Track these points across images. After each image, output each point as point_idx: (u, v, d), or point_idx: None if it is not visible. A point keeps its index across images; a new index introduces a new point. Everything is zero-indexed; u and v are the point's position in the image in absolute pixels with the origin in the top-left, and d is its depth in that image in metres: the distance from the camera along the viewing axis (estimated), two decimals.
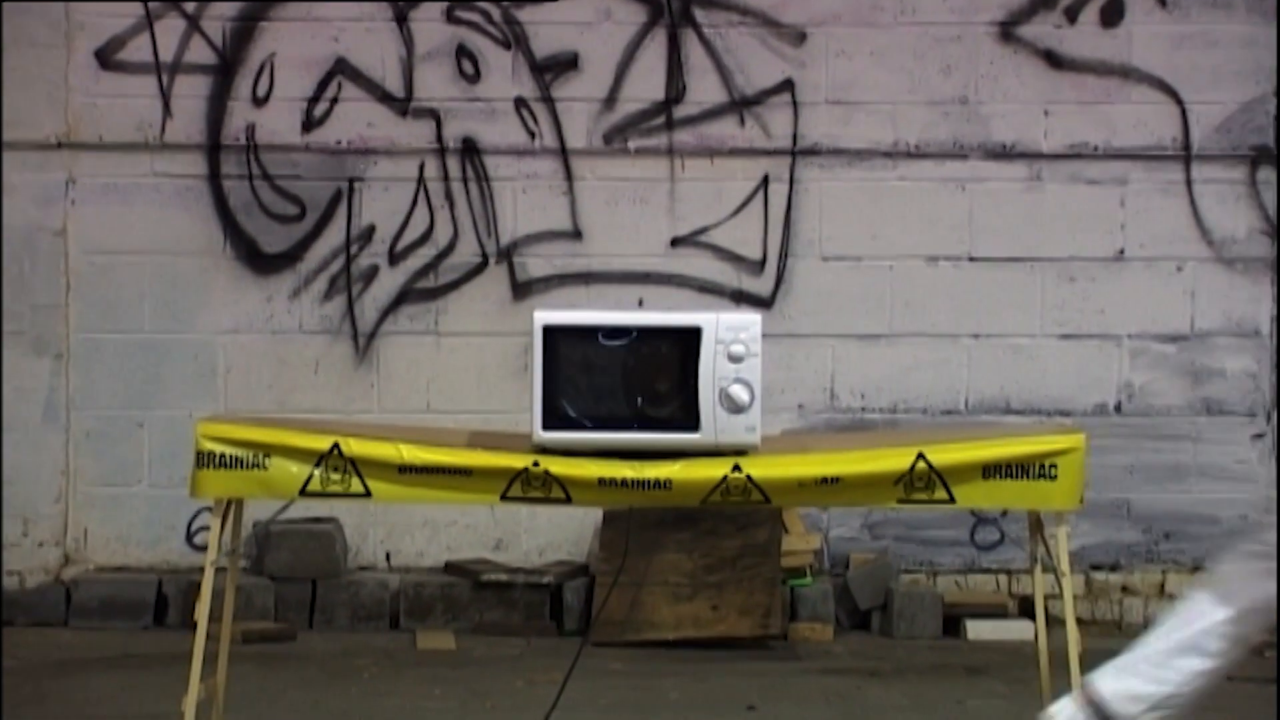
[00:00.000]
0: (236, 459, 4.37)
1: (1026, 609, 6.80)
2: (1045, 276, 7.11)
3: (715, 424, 4.30)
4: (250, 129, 7.04)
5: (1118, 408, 7.11)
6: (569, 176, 7.09)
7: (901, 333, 7.11)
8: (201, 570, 4.46)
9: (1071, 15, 7.03)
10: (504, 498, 4.36)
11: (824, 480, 4.34)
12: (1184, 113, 7.05)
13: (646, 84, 7.06)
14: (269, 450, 4.38)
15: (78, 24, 6.96)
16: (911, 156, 7.08)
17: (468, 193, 7.09)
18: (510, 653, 6.51)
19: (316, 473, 4.37)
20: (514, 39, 7.03)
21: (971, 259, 7.11)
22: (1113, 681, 4.12)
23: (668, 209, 7.10)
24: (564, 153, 7.08)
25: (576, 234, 7.09)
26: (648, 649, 6.55)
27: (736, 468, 4.31)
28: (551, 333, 4.33)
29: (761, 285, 7.11)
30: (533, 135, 7.08)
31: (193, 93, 7.02)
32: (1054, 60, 7.07)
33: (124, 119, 7.00)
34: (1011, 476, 4.34)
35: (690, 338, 4.32)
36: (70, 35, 6.95)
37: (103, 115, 6.99)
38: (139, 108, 7.01)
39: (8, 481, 6.92)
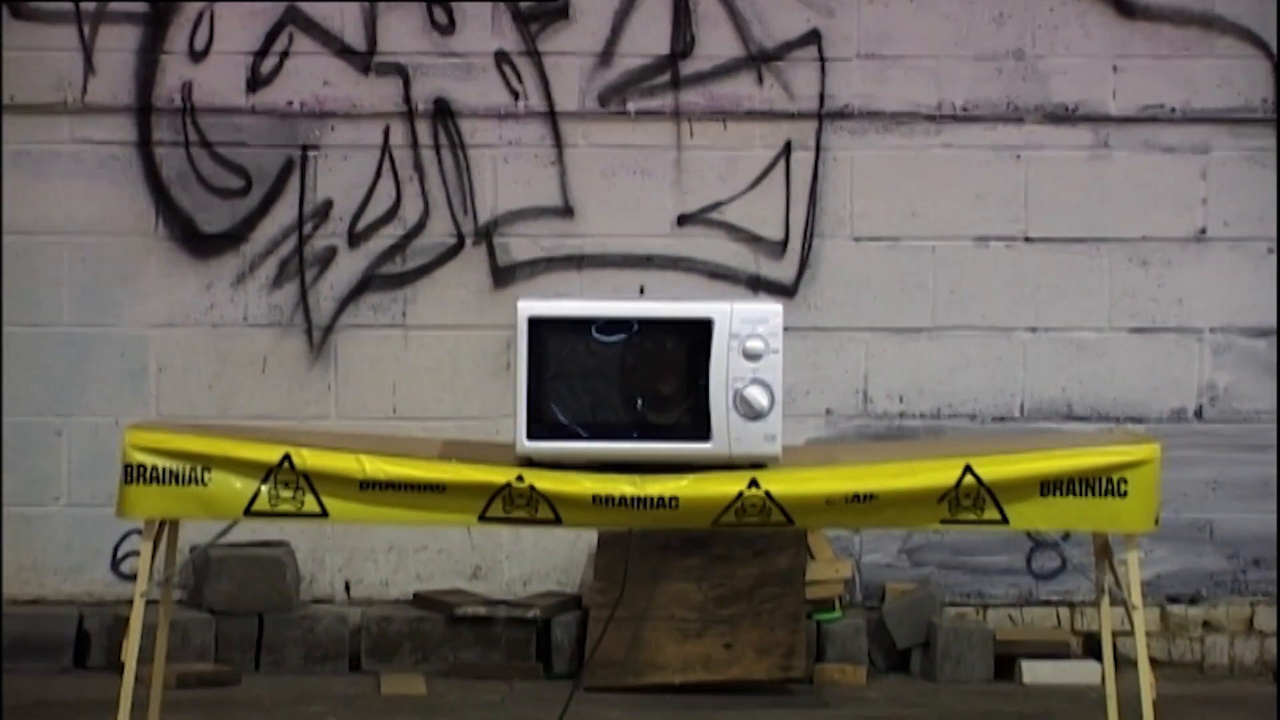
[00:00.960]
0: (171, 473, 4.38)
1: (1092, 648, 6.81)
2: (1114, 260, 7.11)
3: (729, 432, 4.31)
4: (186, 88, 7.05)
5: (1198, 413, 7.11)
6: (558, 144, 7.09)
7: (946, 326, 7.11)
8: (129, 603, 4.47)
9: None
10: (483, 518, 4.36)
11: (856, 497, 4.35)
12: (1276, 69, 7.05)
13: (649, 36, 7.07)
14: (209, 463, 4.39)
15: None
16: (958, 120, 7.09)
17: (440, 162, 7.09)
18: (490, 698, 6.52)
19: (264, 489, 4.38)
20: None
21: (1028, 239, 7.12)
22: None
23: (674, 181, 7.10)
24: (552, 116, 7.09)
25: (567, 211, 7.10)
26: (650, 694, 6.56)
27: (754, 483, 4.32)
28: (538, 325, 4.34)
29: (783, 270, 7.12)
30: (516, 96, 7.09)
31: (119, 46, 7.02)
32: (1124, 8, 7.07)
33: (38, 76, 7.00)
34: (1074, 493, 4.35)
35: (700, 332, 4.33)
36: None
37: (14, 72, 6.99)
38: (56, 63, 7.01)
39: None
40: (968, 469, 4.34)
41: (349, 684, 6.72)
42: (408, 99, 7.07)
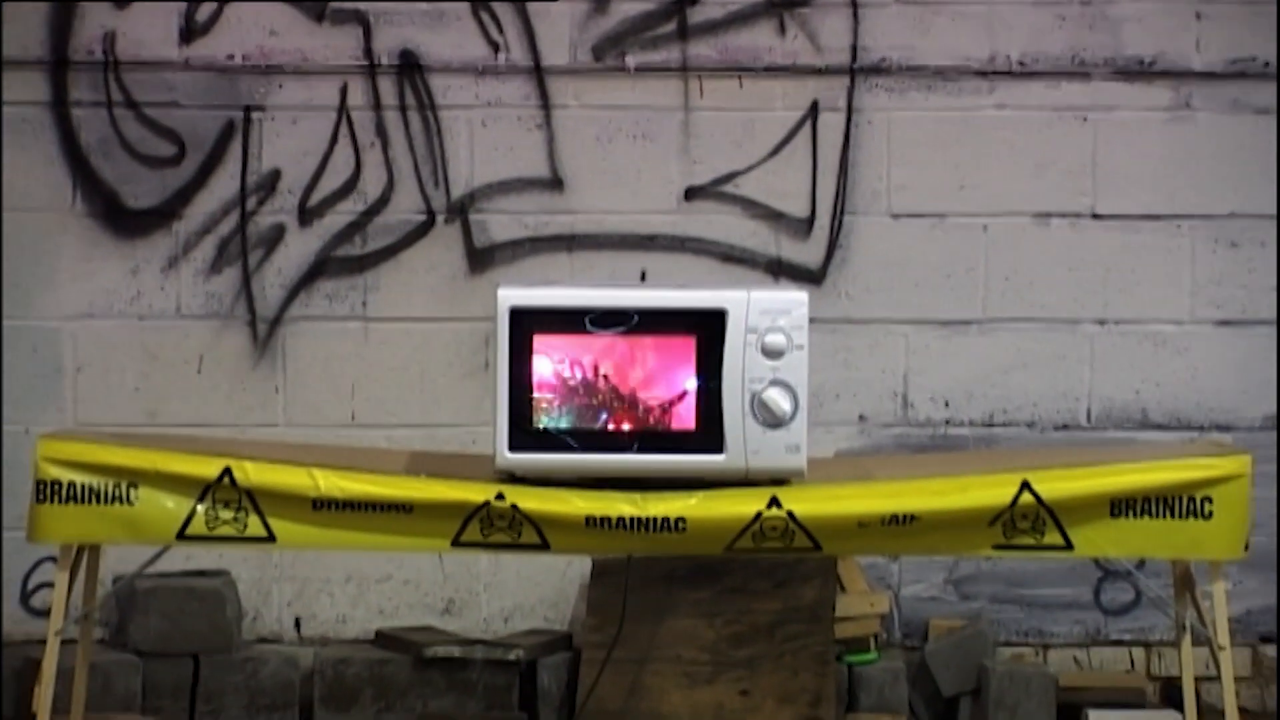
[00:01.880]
0: (91, 490, 4.39)
1: (1171, 695, 6.81)
2: (1197, 240, 7.12)
3: (745, 443, 4.32)
4: (109, 39, 7.05)
5: None
6: (545, 104, 7.10)
7: (1000, 317, 7.12)
8: (42, 643, 4.47)
9: None
10: (457, 543, 4.38)
11: (894, 519, 4.36)
12: None
13: None
14: (135, 478, 4.40)
15: None
16: (1014, 76, 7.10)
17: (407, 126, 7.10)
18: None
19: (200, 509, 4.39)
20: None
21: (1096, 216, 7.13)
22: None
23: (680, 149, 7.12)
24: (538, 72, 7.10)
25: (555, 183, 7.11)
26: None
27: (774, 502, 4.33)
28: (522, 317, 4.35)
29: (809, 252, 7.13)
30: (496, 48, 7.10)
31: None
32: None
33: None
34: (1150, 514, 4.37)
35: (712, 324, 4.34)
36: None
37: None
38: None
39: None
40: (1025, 485, 4.35)
41: None
42: (368, 51, 7.08)
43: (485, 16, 7.08)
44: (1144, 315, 7.14)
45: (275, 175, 7.11)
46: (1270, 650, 7.11)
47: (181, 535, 4.42)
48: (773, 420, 4.32)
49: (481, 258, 7.11)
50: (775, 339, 4.33)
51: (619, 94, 7.10)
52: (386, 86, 7.09)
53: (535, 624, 7.13)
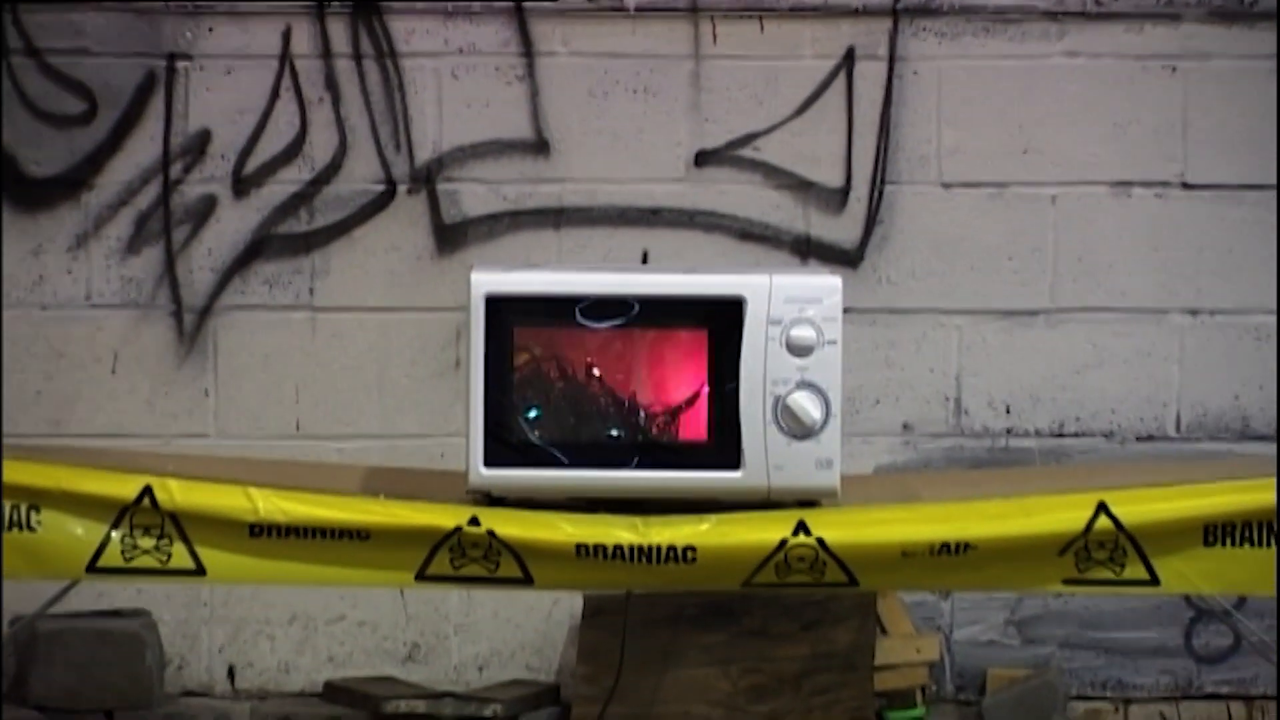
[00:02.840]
0: None
1: None
2: None
3: (767, 457, 4.33)
4: None
5: None
6: (528, 52, 7.11)
7: (1071, 307, 7.14)
8: None
9: None
10: (422, 577, 4.38)
11: (945, 548, 4.37)
12: None
13: None
14: (37, 499, 4.40)
15: None
16: (1088, 18, 7.11)
17: (362, 78, 7.11)
18: None
19: (115, 536, 4.39)
20: None
21: (1186, 186, 7.14)
22: None
23: (690, 105, 7.13)
24: (520, 13, 7.11)
25: (540, 146, 7.12)
26: None
27: (802, 527, 4.34)
28: (500, 307, 4.35)
29: (843, 229, 7.14)
30: None
31: None
32: None
33: None
34: (1251, 543, 4.37)
35: (727, 315, 4.35)
36: None
37: None
38: None
39: None
40: (1102, 508, 4.36)
41: None
42: None
43: None
44: (1244, 304, 7.15)
45: (204, 137, 7.12)
46: None
47: (92, 568, 4.42)
48: (800, 430, 4.33)
49: (451, 235, 7.12)
50: (803, 333, 4.33)
51: (617, 40, 7.11)
52: (338, 30, 7.10)
53: (516, 674, 7.15)
